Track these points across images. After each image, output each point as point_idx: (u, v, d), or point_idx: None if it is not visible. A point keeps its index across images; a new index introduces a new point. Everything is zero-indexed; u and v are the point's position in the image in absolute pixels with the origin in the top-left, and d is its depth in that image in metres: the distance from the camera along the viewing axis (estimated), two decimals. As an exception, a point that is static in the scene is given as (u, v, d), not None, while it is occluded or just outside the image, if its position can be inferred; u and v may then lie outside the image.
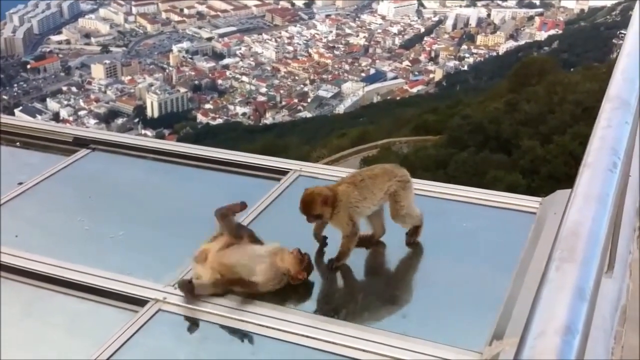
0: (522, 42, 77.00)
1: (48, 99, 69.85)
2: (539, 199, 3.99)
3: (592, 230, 1.61)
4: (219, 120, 67.79)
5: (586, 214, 1.68)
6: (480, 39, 78.61)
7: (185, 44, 78.18)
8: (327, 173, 4.52)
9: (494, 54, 75.98)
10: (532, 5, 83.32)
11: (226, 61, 76.19)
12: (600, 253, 1.54)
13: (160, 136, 57.38)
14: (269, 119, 68.16)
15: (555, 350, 1.32)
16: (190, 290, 3.28)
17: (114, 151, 4.94)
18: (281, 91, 71.77)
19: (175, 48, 77.37)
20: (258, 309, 3.23)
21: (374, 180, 3.53)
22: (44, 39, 79.25)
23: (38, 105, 68.81)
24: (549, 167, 22.04)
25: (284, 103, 70.78)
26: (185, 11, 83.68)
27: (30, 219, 4.23)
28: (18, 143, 5.14)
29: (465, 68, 74.71)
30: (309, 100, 71.09)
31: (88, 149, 4.94)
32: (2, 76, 72.71)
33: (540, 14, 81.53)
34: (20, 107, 66.89)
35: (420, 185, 4.23)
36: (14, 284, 3.59)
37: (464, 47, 77.62)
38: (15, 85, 72.64)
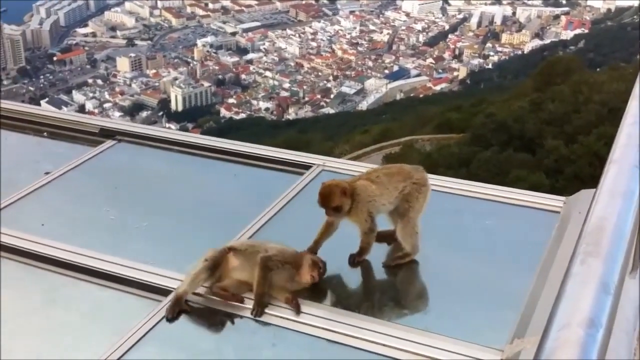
0: (547, 41, 76.32)
1: (74, 91, 70.53)
2: (563, 198, 3.96)
3: (617, 225, 1.60)
4: (242, 115, 67.99)
5: (612, 209, 1.67)
6: (505, 37, 78.04)
7: (209, 39, 78.47)
8: (350, 168, 4.52)
9: (519, 52, 75.39)
10: (558, 4, 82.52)
11: (250, 56, 76.38)
12: (625, 248, 1.53)
13: (184, 130, 57.66)
14: (291, 114, 68.26)
15: (578, 343, 1.31)
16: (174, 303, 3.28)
17: (139, 142, 4.98)
18: (304, 87, 71.81)
19: (199, 42, 77.70)
20: (278, 301, 3.25)
21: (390, 178, 3.50)
22: (70, 32, 79.99)
23: (64, 97, 69.50)
24: (573, 167, 21.84)
25: (306, 99, 70.81)
26: (210, 5, 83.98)
27: (56, 208, 4.29)
28: (45, 133, 5.21)
29: (490, 66, 74.23)
30: (331, 96, 71.04)
31: (114, 140, 4.99)
32: (29, 68, 73.50)
33: (567, 13, 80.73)
34: (47, 99, 67.63)
35: (444, 182, 4.23)
36: (40, 271, 3.65)
37: (489, 45, 77.10)
38: (42, 76, 73.42)
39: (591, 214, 1.66)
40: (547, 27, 79.67)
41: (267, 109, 69.57)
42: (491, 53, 75.94)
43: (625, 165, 1.91)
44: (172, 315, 3.22)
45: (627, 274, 1.64)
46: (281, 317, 3.16)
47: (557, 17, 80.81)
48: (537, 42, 76.10)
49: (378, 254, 3.63)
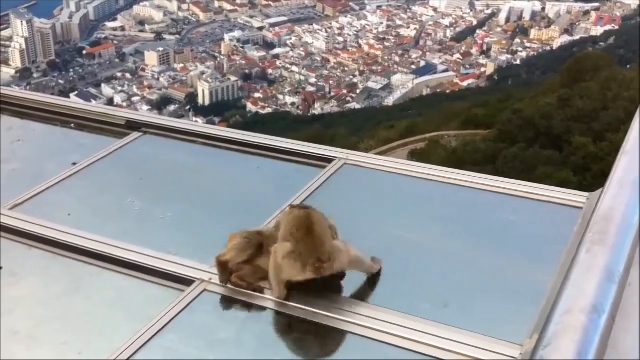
0: (577, 37, 75.38)
1: (103, 85, 71.20)
2: (586, 194, 3.94)
3: (625, 215, 1.60)
4: (268, 110, 68.16)
5: (620, 199, 1.67)
6: (534, 33, 77.22)
7: (236, 33, 78.71)
8: (373, 162, 4.54)
9: (548, 48, 74.58)
10: (588, 0, 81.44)
11: (276, 51, 76.50)
12: (633, 237, 1.54)
13: (211, 124, 57.90)
14: (317, 109, 68.25)
15: (580, 328, 1.32)
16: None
17: (165, 135, 5.04)
18: (330, 82, 71.74)
19: (227, 37, 77.97)
20: (297, 291, 3.26)
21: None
22: (99, 25, 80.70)
23: (93, 91, 70.21)
24: (601, 164, 21.57)
25: (333, 94, 70.75)
26: (238, 0, 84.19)
27: (82, 199, 4.36)
28: (72, 125, 5.29)
29: (518, 62, 73.54)
30: (358, 91, 70.91)
31: (140, 132, 5.05)
32: (59, 61, 74.35)
33: (597, 9, 79.65)
34: (76, 92, 68.34)
35: (467, 177, 4.23)
36: (65, 260, 3.72)
37: (517, 40, 76.36)
38: (71, 70, 74.19)
39: (600, 203, 1.67)
40: (577, 23, 78.68)
41: (293, 104, 69.64)
42: (519, 49, 75.20)
43: (637, 156, 1.90)
44: (226, 278, 3.32)
45: (638, 264, 1.64)
46: (300, 307, 3.19)
47: (587, 12, 79.78)
48: (566, 38, 75.21)
49: (401, 246, 3.64)
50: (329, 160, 4.52)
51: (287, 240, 3.23)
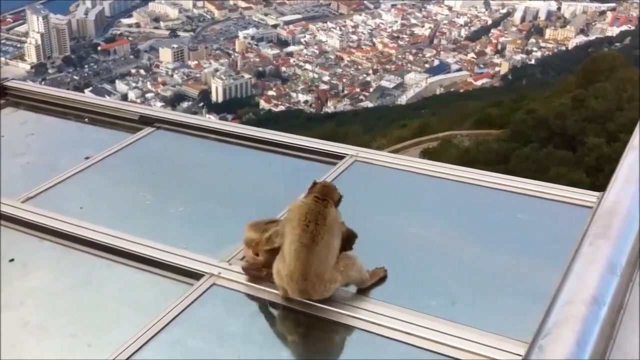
0: (592, 37, 74.87)
1: (117, 81, 71.46)
2: (597, 193, 3.93)
3: (629, 209, 1.60)
4: (281, 107, 68.16)
5: (625, 194, 1.67)
6: (549, 33, 76.76)
7: (250, 31, 78.77)
8: (383, 159, 4.55)
9: (563, 48, 74.15)
10: (604, 0, 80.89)
11: (290, 48, 76.49)
12: (636, 231, 1.54)
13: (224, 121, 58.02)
14: (330, 107, 68.19)
15: (580, 318, 1.32)
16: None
17: (178, 130, 5.07)
18: (344, 80, 71.63)
19: (241, 34, 78.02)
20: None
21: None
22: (114, 22, 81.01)
23: (107, 87, 70.46)
24: (614, 165, 21.40)
25: (346, 92, 70.65)
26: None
27: (95, 192, 4.40)
28: (86, 119, 5.33)
29: (533, 62, 73.14)
30: (371, 90, 70.76)
31: (152, 127, 5.08)
32: (74, 57, 74.73)
33: (613, 9, 79.09)
34: (90, 88, 68.59)
35: (476, 176, 4.23)
36: (77, 253, 3.75)
37: (532, 40, 75.95)
38: (86, 66, 74.51)
39: (605, 197, 1.67)
40: (593, 23, 78.15)
41: (306, 102, 69.61)
42: (534, 49, 74.78)
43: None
44: (256, 253, 3.33)
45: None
46: (306, 302, 3.20)
47: (603, 13, 79.22)
48: (581, 38, 74.73)
49: (409, 241, 3.64)
50: (339, 157, 4.54)
51: (291, 240, 3.13)
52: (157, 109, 5.42)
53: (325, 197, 3.26)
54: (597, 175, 21.63)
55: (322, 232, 3.13)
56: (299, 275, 3.09)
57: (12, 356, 3.09)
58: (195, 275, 3.45)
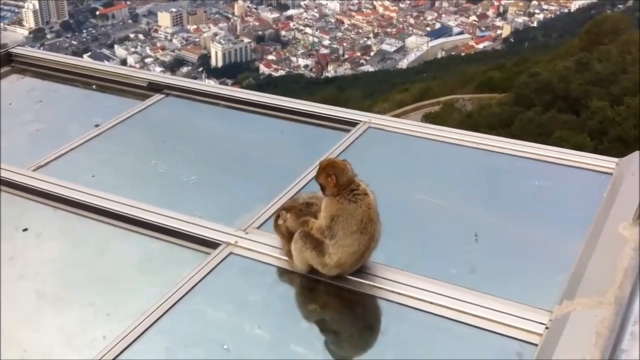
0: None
1: (116, 46, 70.97)
2: (616, 159, 3.89)
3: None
4: (281, 72, 67.80)
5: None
6: (551, -5, 76.02)
7: (250, -6, 77.98)
8: (396, 125, 4.49)
9: (566, 10, 73.45)
10: (608, -39, 79.88)
11: (290, 12, 75.81)
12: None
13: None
14: (330, 71, 67.80)
15: None
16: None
17: (187, 97, 5.00)
18: (344, 44, 71.13)
19: (240, -3, 77.27)
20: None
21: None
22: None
23: (106, 52, 70.00)
24: (618, 129, 21.40)
25: (346, 56, 70.19)
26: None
27: (106, 160, 4.35)
28: (94, 86, 5.26)
29: (535, 25, 72.52)
30: (371, 53, 70.31)
31: (162, 94, 5.02)
32: (72, 22, 74.05)
33: (617, -30, 78.15)
34: (89, 53, 68.15)
35: (494, 142, 4.18)
36: (92, 222, 3.71)
37: (534, 2, 75.18)
38: (84, 31, 73.92)
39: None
40: (596, -15, 77.32)
41: (306, 66, 69.19)
42: (537, 11, 74.09)
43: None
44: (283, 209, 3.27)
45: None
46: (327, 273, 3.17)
47: (606, -27, 78.34)
48: (584, 1, 73.99)
49: (429, 211, 3.59)
50: (352, 123, 4.48)
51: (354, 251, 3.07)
52: (165, 76, 5.33)
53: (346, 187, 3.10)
54: (600, 138, 21.58)
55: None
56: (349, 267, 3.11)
57: (30, 327, 3.07)
58: (212, 244, 3.42)
